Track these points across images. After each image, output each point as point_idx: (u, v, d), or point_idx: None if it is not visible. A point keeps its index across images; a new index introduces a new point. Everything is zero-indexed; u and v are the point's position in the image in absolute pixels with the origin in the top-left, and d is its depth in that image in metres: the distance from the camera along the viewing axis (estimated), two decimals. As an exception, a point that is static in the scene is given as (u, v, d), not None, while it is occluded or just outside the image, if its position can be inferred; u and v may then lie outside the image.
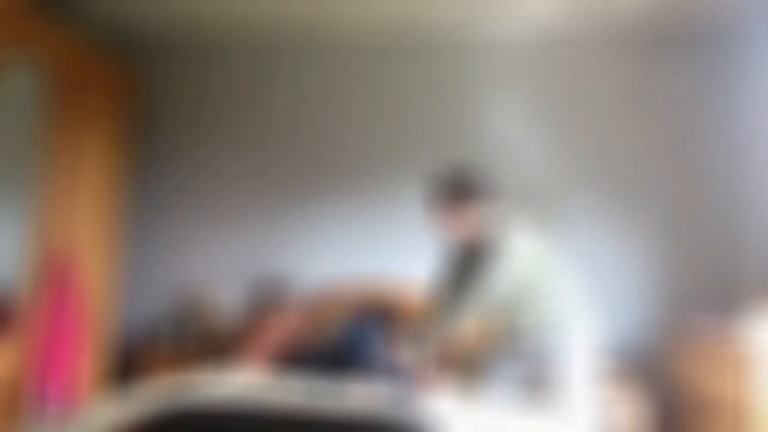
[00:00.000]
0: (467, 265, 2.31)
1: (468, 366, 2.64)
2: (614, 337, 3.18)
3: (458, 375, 2.63)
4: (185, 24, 3.57)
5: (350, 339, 2.66)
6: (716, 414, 2.58)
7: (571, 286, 2.34)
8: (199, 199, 3.61)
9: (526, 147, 3.44)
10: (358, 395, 2.05)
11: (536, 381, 2.25)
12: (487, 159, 3.34)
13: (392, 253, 3.44)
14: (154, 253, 3.58)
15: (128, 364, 3.32)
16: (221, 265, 3.54)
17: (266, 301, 3.31)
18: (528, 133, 3.45)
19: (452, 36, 3.55)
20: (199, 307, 3.42)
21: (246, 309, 3.41)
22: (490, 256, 2.19)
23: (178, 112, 3.70)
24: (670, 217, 3.30)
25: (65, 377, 2.83)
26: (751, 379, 2.35)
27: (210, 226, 3.58)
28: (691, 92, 3.38)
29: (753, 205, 3.11)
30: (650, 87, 3.41)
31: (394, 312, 3.23)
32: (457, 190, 2.33)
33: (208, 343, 3.33)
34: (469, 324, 2.41)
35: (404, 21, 3.44)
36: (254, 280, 3.47)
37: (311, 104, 3.63)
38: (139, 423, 1.57)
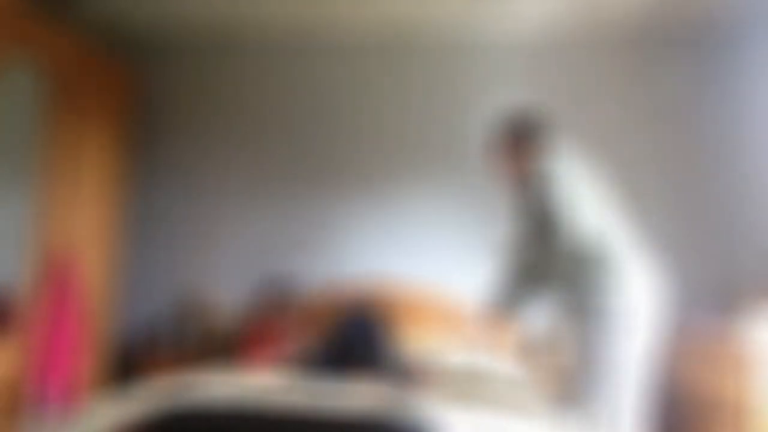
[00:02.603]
0: (531, 202, 2.20)
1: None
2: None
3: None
4: (185, 24, 3.57)
5: (349, 337, 2.66)
6: (716, 414, 2.58)
7: (625, 234, 2.18)
8: (199, 199, 3.61)
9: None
10: (359, 395, 2.05)
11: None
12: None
13: (396, 253, 3.44)
14: (155, 253, 3.58)
15: (128, 364, 3.32)
16: (222, 265, 3.54)
17: (268, 302, 3.30)
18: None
19: (453, 36, 3.55)
20: (200, 307, 3.42)
21: (246, 309, 3.41)
22: (542, 181, 2.12)
23: (178, 112, 3.70)
24: (669, 217, 3.30)
25: (65, 377, 2.83)
26: (751, 379, 2.36)
27: (211, 226, 3.58)
28: (691, 92, 3.38)
29: (753, 205, 3.11)
30: (650, 87, 3.41)
31: (395, 310, 3.23)
32: (522, 132, 2.34)
33: (208, 343, 3.33)
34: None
35: (404, 21, 3.44)
36: (256, 280, 3.47)
37: (312, 104, 3.63)
38: (139, 423, 1.56)
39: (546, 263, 2.15)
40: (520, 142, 2.34)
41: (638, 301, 2.07)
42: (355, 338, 2.64)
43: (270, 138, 3.62)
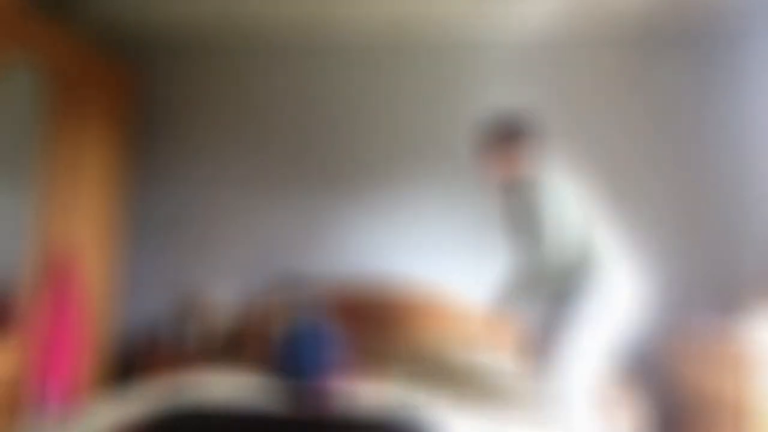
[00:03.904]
0: (519, 208, 2.32)
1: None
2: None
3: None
4: (185, 24, 3.57)
5: (291, 340, 2.53)
6: (716, 414, 2.58)
7: (609, 241, 2.28)
8: (199, 199, 3.61)
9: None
10: (358, 396, 2.05)
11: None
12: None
13: (398, 253, 3.44)
14: (154, 253, 3.58)
15: (128, 364, 3.32)
16: (222, 264, 3.54)
17: (266, 302, 3.30)
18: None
19: (455, 35, 3.55)
20: (199, 307, 3.42)
21: (245, 310, 3.41)
22: (531, 192, 2.23)
23: (178, 112, 3.70)
24: (669, 217, 3.30)
25: (65, 377, 2.83)
26: (751, 379, 2.36)
27: (211, 226, 3.58)
28: (691, 91, 3.38)
29: (753, 204, 3.12)
30: (650, 86, 3.41)
31: (396, 310, 3.23)
32: (510, 130, 2.40)
33: (208, 343, 3.33)
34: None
35: (406, 20, 3.44)
36: (266, 276, 3.47)
37: (312, 104, 3.63)
38: (139, 423, 1.57)
39: (537, 271, 2.23)
40: (509, 144, 2.38)
41: (616, 305, 2.16)
42: (294, 341, 2.50)
43: (271, 138, 3.62)
